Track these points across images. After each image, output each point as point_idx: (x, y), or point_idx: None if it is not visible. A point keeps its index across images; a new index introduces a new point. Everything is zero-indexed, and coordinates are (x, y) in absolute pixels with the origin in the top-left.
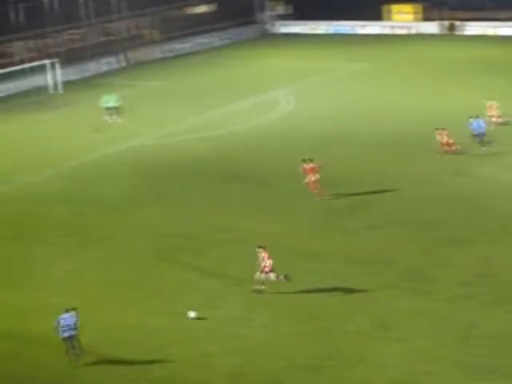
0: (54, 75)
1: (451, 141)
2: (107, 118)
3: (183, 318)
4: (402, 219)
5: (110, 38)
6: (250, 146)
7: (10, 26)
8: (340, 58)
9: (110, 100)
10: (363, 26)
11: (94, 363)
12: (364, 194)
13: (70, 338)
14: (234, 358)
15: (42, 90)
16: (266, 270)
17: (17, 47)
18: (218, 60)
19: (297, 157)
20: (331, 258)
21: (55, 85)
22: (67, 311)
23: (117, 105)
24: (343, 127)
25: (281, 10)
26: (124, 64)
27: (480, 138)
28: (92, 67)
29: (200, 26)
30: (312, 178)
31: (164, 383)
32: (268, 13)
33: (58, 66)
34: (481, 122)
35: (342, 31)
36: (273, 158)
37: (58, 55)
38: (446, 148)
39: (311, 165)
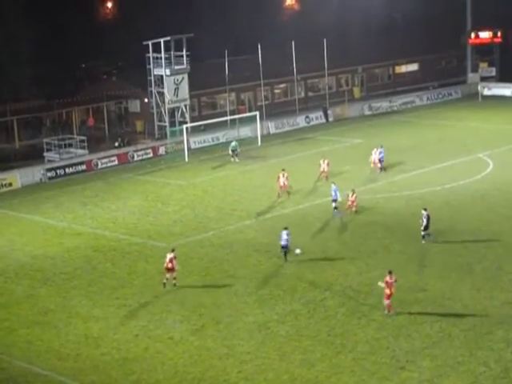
0: (256, 128)
1: None
2: (231, 158)
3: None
4: None
5: (312, 93)
6: (449, 206)
7: (222, 79)
8: None
9: (232, 145)
10: None
11: None
12: None
13: (283, 247)
14: None
15: (248, 141)
16: None
17: (225, 99)
18: (419, 120)
19: (499, 221)
20: None
21: (256, 137)
22: (285, 228)
23: (236, 149)
24: None
25: (486, 72)
26: (324, 120)
27: None
28: (293, 121)
29: (403, 85)
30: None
31: None
32: (477, 74)
33: (259, 118)
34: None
35: None
36: (474, 221)
37: (261, 108)
38: None
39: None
